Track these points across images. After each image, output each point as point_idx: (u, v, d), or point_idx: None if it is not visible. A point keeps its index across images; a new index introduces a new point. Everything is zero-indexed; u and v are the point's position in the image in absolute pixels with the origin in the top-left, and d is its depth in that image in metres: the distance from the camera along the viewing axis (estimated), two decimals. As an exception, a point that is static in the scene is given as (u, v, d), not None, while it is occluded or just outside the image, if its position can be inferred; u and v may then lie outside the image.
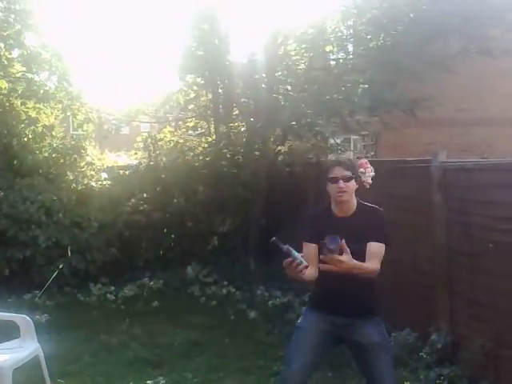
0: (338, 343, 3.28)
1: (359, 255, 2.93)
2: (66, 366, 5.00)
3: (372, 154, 9.33)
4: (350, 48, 8.30)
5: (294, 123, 7.14)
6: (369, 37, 7.33)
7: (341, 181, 3.08)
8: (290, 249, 2.86)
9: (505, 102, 9.73)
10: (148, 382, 4.66)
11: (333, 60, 8.21)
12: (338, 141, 8.25)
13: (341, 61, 7.78)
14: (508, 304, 4.00)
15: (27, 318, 4.69)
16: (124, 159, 9.22)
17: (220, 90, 8.20)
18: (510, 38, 7.25)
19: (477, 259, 4.35)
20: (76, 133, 9.05)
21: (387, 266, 5.44)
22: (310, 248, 3.07)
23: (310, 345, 3.14)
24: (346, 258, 2.82)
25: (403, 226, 5.29)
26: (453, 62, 7.34)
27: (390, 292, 5.39)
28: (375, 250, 3.06)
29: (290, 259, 2.83)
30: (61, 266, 6.90)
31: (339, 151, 8.50)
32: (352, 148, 9.66)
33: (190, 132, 9.11)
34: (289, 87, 7.68)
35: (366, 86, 7.13)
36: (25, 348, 4.48)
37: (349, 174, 3.12)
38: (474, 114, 9.64)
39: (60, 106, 8.23)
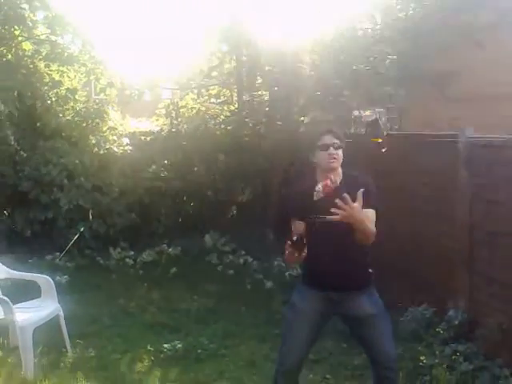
0: (331, 318, 3.29)
1: (343, 223, 2.85)
2: (85, 327, 5.12)
3: (396, 127, 9.14)
4: (378, 19, 8.09)
5: (318, 93, 7.02)
6: (398, 7, 7.12)
7: (331, 148, 3.07)
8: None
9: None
10: (165, 345, 4.74)
11: (360, 30, 8.01)
12: (366, 113, 8.09)
13: (369, 30, 7.58)
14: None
15: (48, 278, 4.78)
16: (145, 125, 9.22)
17: (244, 58, 8.08)
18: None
19: (500, 238, 4.28)
20: (98, 97, 9.05)
21: (407, 240, 5.45)
22: (299, 223, 3.02)
23: (305, 325, 3.14)
24: (357, 206, 2.81)
25: (427, 202, 5.23)
26: (483, 35, 7.11)
27: (409, 267, 5.39)
28: (368, 215, 2.99)
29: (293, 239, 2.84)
30: (82, 229, 6.99)
31: (363, 123, 8.34)
32: (376, 121, 9.50)
33: (212, 100, 9.01)
34: (315, 56, 7.51)
35: (395, 57, 6.95)
36: (45, 307, 4.57)
37: (338, 142, 3.11)
38: (504, 89, 9.35)
39: (83, 69, 8.21)
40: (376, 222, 3.02)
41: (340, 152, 3.12)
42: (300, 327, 3.15)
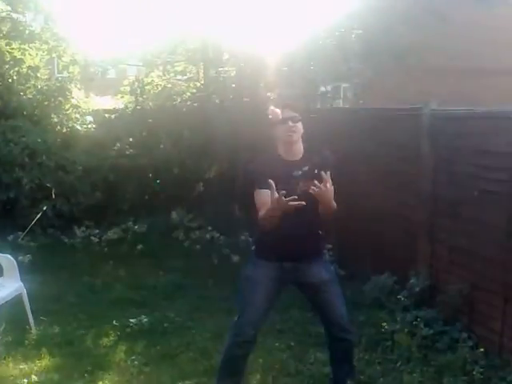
0: (287, 286, 3.36)
1: (310, 196, 2.92)
2: (49, 305, 5.07)
3: (361, 102, 9.20)
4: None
5: (285, 69, 6.99)
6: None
7: (290, 121, 3.10)
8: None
9: (501, 52, 9.57)
10: (131, 320, 4.74)
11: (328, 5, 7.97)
12: (329, 88, 8.11)
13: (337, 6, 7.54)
14: (486, 250, 4.05)
15: (9, 256, 4.73)
16: (110, 103, 9.06)
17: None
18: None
19: (460, 207, 4.37)
20: (61, 75, 8.86)
21: (371, 210, 5.53)
22: (264, 194, 3.00)
23: (262, 295, 3.20)
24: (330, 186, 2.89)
25: (391, 174, 5.30)
26: (448, 10, 7.17)
27: (373, 237, 5.48)
28: None
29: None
30: (44, 208, 6.88)
31: (329, 99, 8.38)
32: (342, 96, 9.53)
33: (178, 77, 8.88)
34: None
35: (360, 31, 6.95)
36: (7, 286, 4.54)
37: (296, 115, 3.14)
38: (468, 64, 9.49)
39: (46, 47, 8.02)
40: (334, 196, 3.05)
41: (299, 125, 3.14)
42: (256, 297, 3.20)
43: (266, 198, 2.95)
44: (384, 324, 4.31)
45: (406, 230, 4.99)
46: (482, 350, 3.90)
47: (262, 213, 3.04)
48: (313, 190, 2.87)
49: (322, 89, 8.33)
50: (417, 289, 4.54)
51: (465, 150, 4.32)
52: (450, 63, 9.39)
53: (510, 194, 3.78)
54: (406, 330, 4.16)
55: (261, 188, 3.06)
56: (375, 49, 6.81)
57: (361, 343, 4.13)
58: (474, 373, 3.67)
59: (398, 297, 4.57)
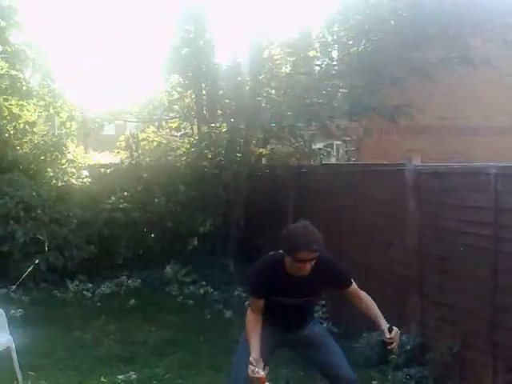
0: (281, 347, 3.47)
1: (304, 302, 3.24)
2: (38, 359, 5.01)
3: (354, 159, 9.40)
4: (335, 54, 8.39)
5: (273, 125, 7.20)
6: (350, 42, 7.42)
7: (308, 263, 3.03)
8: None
9: (486, 111, 9.85)
10: (119, 376, 4.68)
11: (316, 65, 8.29)
12: (321, 145, 8.31)
13: (323, 66, 7.86)
14: (474, 306, 4.08)
15: (-1, 309, 4.69)
16: (108, 159, 9.24)
17: (203, 91, 8.24)
18: (490, 47, 7.39)
19: (447, 262, 4.43)
20: (60, 132, 9.05)
21: (360, 268, 5.57)
22: (258, 303, 3.20)
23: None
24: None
25: (379, 231, 5.38)
26: (434, 71, 7.45)
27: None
28: (355, 288, 3.31)
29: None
30: (37, 261, 6.88)
31: (321, 155, 8.56)
32: (335, 153, 9.74)
33: (173, 133, 9.12)
34: (272, 90, 7.73)
35: (346, 90, 7.20)
36: (-4, 340, 4.48)
37: (316, 255, 3.02)
38: (455, 123, 9.74)
39: (43, 103, 8.25)
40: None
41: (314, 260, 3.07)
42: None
43: (259, 305, 3.18)
44: (375, 382, 4.28)
45: (396, 286, 5.02)
46: (473, 408, 3.87)
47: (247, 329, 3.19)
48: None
49: (315, 146, 8.53)
50: (408, 347, 4.52)
51: (449, 206, 4.41)
52: (438, 122, 9.65)
53: (494, 249, 3.85)
54: (396, 388, 4.14)
55: (257, 298, 3.22)
56: (361, 107, 7.03)
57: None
58: (465, 433, 3.64)
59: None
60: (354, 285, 3.30)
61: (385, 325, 3.12)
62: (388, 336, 3.05)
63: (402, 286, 4.90)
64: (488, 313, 3.90)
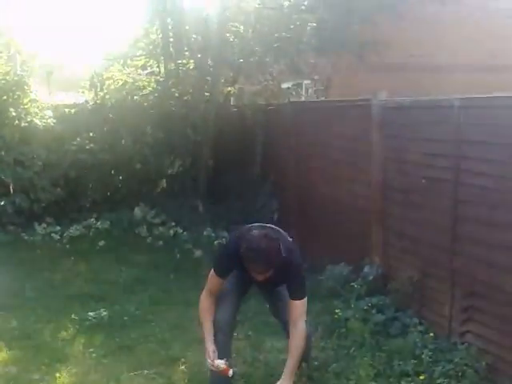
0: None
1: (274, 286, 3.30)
2: (7, 300, 5.03)
3: (323, 98, 9.34)
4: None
5: (241, 61, 7.06)
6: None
7: (259, 276, 3.06)
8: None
9: (455, 48, 9.80)
10: (90, 313, 4.73)
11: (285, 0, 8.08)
12: (289, 85, 8.23)
13: (292, 0, 7.66)
14: (434, 236, 4.20)
15: (-35, 251, 4.66)
16: (73, 99, 8.96)
17: (169, 27, 7.99)
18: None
19: (409, 195, 4.51)
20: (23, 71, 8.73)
21: (327, 203, 5.66)
22: (217, 283, 3.26)
23: (237, 295, 3.39)
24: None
25: (345, 165, 5.44)
26: (403, 7, 7.35)
27: (329, 229, 5.61)
28: (301, 309, 3.18)
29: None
30: (2, 203, 6.78)
31: (290, 94, 8.49)
32: (304, 93, 9.66)
33: (139, 71, 8.86)
34: (240, 25, 7.53)
35: (315, 24, 7.07)
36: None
37: (267, 272, 3.02)
38: (424, 60, 9.69)
39: (2, 40, 7.90)
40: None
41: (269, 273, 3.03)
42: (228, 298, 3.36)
43: (216, 286, 3.24)
44: (338, 311, 4.42)
45: (359, 219, 5.13)
46: (431, 334, 4.03)
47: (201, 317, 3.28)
48: None
49: (284, 85, 8.45)
50: (370, 277, 4.67)
51: (413, 139, 4.45)
52: (407, 60, 9.59)
53: (454, 181, 3.92)
54: (359, 316, 4.28)
55: (218, 276, 3.24)
56: (330, 42, 6.93)
57: (317, 331, 4.24)
58: (423, 356, 3.80)
59: (353, 285, 4.68)
60: (301, 307, 3.17)
61: (287, 378, 3.09)
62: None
63: (365, 219, 5.00)
64: (448, 242, 4.02)
